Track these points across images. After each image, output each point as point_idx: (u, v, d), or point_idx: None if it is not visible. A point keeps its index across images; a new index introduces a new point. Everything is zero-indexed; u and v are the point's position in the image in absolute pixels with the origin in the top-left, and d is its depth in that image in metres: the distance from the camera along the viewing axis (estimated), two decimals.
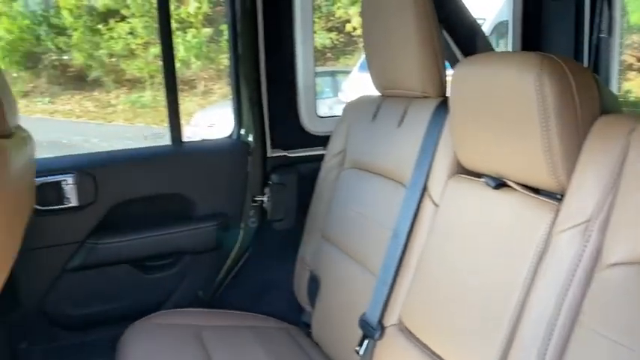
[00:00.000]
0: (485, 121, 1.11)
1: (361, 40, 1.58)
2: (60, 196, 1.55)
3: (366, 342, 1.32)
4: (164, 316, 1.61)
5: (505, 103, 1.05)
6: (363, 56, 1.60)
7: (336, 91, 7.21)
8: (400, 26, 1.39)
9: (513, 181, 1.09)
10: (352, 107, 1.71)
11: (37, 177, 1.46)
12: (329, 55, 9.29)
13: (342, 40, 9.39)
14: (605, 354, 0.80)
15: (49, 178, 1.54)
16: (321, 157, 1.78)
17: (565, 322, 0.88)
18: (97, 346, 1.63)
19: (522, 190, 1.07)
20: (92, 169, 1.61)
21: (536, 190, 1.06)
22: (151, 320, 1.57)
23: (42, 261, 1.50)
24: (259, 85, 1.77)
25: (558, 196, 1.01)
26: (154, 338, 1.49)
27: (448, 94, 1.24)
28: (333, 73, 7.76)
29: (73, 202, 1.57)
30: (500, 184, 1.11)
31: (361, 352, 1.32)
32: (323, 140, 1.82)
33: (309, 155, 1.88)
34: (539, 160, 1.00)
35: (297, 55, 1.85)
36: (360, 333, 1.34)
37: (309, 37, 1.84)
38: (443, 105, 1.33)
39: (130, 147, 1.80)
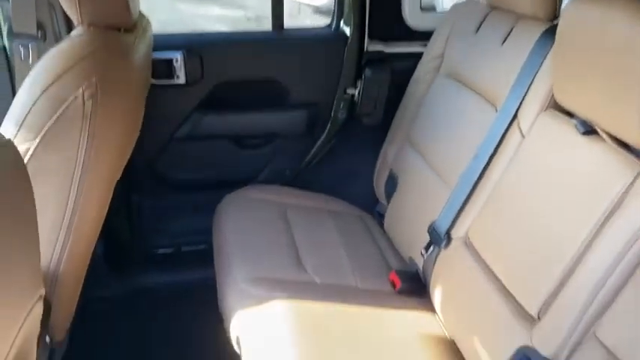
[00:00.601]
0: (588, 64, 1.09)
1: None
2: (170, 73, 1.69)
3: (432, 247, 1.45)
4: (256, 190, 1.80)
5: (613, 51, 1.01)
6: None
7: None
8: None
9: (603, 131, 1.09)
10: (457, 11, 1.66)
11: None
12: None
13: None
14: None
15: (161, 54, 1.66)
16: (416, 56, 1.78)
17: (617, 280, 0.95)
18: (195, 208, 1.88)
19: (610, 142, 1.07)
20: (199, 49, 1.71)
21: (625, 145, 1.06)
22: (244, 193, 1.77)
23: (154, 129, 1.68)
24: None
25: None
26: (247, 210, 1.69)
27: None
28: None
29: (182, 79, 1.71)
30: (589, 130, 1.11)
31: (426, 256, 1.45)
32: (422, 36, 1.81)
33: (406, 52, 1.87)
34: (633, 115, 0.99)
35: None
36: (427, 238, 1.46)
37: None
38: (551, 31, 1.28)
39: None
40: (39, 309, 0.68)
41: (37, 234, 0.67)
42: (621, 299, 0.93)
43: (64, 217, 1.00)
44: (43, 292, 0.69)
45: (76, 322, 1.21)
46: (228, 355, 1.34)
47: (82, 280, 1.16)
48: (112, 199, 1.20)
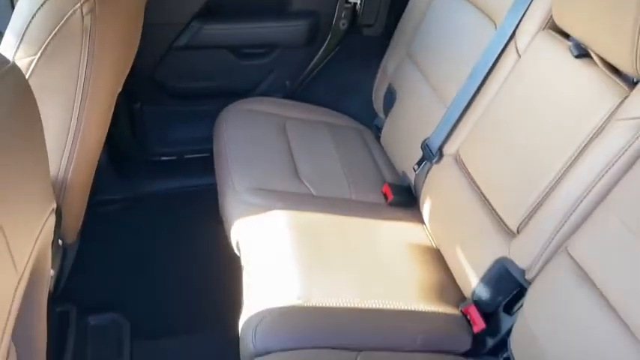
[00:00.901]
0: None
1: None
2: None
3: (424, 163, 1.50)
4: (255, 102, 1.82)
5: None
6: None
7: None
8: None
9: (596, 54, 1.10)
10: None
11: None
12: None
13: None
14: (612, 236, 0.94)
15: None
16: None
17: (590, 201, 1.00)
18: (196, 117, 1.91)
19: (602, 67, 1.08)
20: None
21: (616, 71, 1.07)
22: (244, 104, 1.79)
23: (153, 37, 1.66)
24: None
25: (635, 81, 1.04)
26: (246, 121, 1.73)
27: None
28: None
29: None
30: (583, 54, 1.12)
31: (417, 171, 1.51)
32: None
33: None
34: (626, 40, 1.00)
35: None
36: (420, 153, 1.51)
37: None
38: None
39: None
40: (52, 220, 0.75)
41: (46, 152, 0.71)
42: (591, 219, 0.99)
43: (69, 130, 1.04)
44: (54, 205, 0.75)
45: (85, 224, 1.29)
46: (228, 257, 1.43)
47: (89, 189, 1.22)
48: (115, 107, 1.23)
